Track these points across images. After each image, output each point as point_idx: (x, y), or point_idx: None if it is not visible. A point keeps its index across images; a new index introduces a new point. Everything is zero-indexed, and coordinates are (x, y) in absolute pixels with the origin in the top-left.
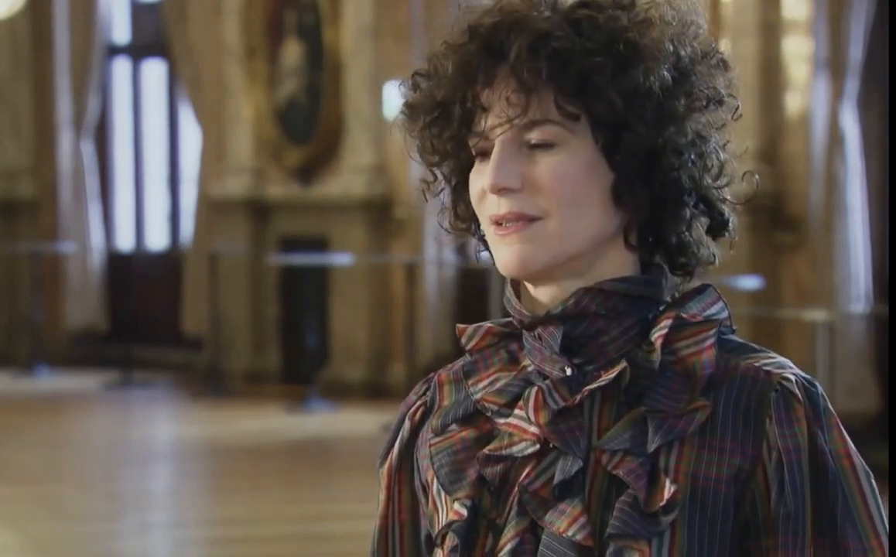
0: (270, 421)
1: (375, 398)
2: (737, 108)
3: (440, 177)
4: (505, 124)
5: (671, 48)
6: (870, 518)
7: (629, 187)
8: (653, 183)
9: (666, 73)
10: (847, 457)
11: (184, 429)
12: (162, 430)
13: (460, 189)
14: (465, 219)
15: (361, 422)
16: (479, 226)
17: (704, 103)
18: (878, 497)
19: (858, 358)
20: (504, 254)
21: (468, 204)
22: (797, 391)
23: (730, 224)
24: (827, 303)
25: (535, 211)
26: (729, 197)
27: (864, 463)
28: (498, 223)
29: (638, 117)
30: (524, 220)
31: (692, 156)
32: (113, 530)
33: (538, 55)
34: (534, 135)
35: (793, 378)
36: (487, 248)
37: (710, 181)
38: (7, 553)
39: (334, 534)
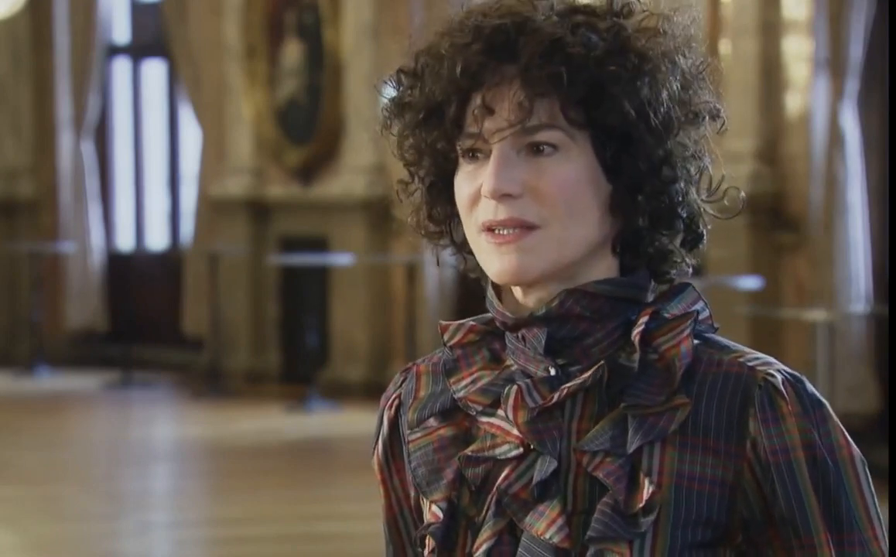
0: (270, 421)
1: (375, 398)
2: (723, 123)
3: (416, 178)
4: (509, 129)
5: (677, 60)
6: (865, 508)
7: (627, 198)
8: (651, 194)
9: (673, 84)
10: (844, 448)
11: (184, 429)
12: (162, 430)
13: (436, 190)
14: (439, 222)
15: (361, 422)
16: (453, 230)
17: (702, 116)
18: (871, 483)
19: (858, 358)
20: (499, 262)
21: (445, 205)
22: (782, 387)
23: (703, 239)
24: (827, 303)
25: (534, 218)
26: (714, 212)
27: (858, 451)
28: (491, 229)
29: (646, 128)
30: (522, 228)
31: (689, 169)
32: (113, 530)
33: (552, 61)
34: (537, 138)
35: (777, 374)
36: (462, 253)
37: (703, 195)
38: (7, 553)
39: (334, 534)
